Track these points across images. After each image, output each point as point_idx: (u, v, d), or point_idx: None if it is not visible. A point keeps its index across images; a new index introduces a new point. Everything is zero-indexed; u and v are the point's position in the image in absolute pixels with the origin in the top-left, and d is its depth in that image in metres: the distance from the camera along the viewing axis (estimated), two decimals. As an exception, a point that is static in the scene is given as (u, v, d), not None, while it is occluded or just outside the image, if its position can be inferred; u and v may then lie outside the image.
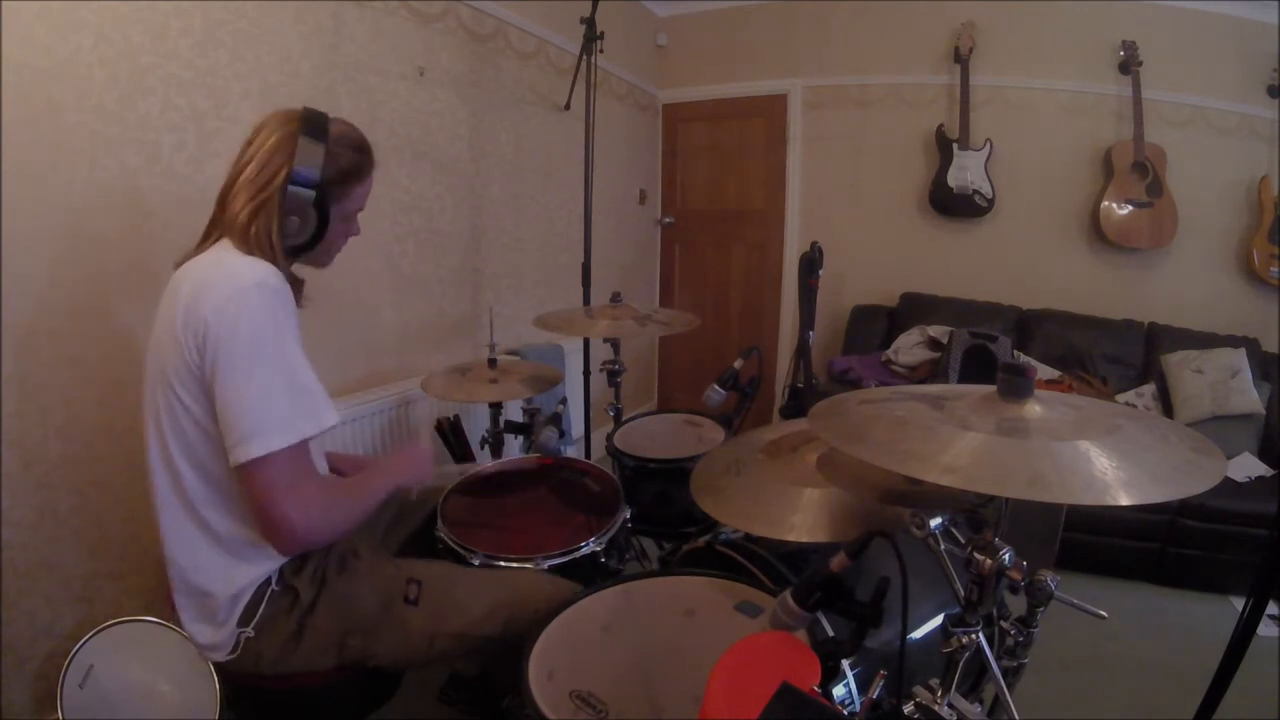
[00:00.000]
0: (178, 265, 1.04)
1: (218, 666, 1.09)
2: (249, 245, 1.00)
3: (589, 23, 2.40)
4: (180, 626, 1.06)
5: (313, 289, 1.22)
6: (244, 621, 1.02)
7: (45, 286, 1.35)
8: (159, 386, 0.97)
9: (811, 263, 2.18)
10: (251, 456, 0.89)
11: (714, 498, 1.02)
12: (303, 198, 1.01)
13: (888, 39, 3.42)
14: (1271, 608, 1.89)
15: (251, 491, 0.92)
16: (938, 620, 1.06)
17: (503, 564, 1.25)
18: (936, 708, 0.76)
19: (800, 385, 2.21)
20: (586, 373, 2.54)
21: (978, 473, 0.64)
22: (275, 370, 0.93)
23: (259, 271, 0.96)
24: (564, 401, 1.98)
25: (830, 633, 1.01)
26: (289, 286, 1.00)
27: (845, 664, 0.94)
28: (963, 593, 0.79)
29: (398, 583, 1.13)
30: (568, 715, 0.85)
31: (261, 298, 0.93)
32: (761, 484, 1.03)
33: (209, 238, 1.06)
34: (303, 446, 0.94)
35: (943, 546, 0.77)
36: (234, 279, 0.94)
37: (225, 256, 0.99)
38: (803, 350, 2.20)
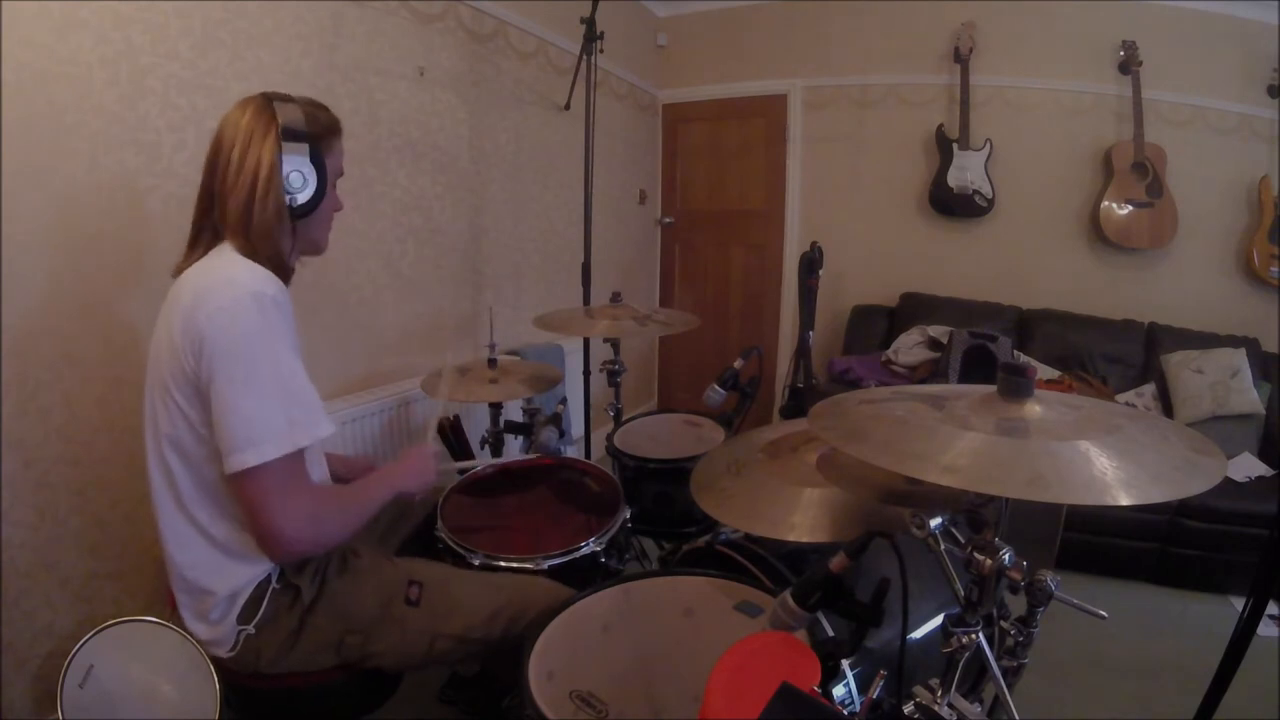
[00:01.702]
0: (176, 273, 1.04)
1: (217, 665, 1.09)
2: (250, 235, 0.99)
3: (589, 23, 2.40)
4: (180, 623, 1.06)
5: (314, 289, 1.22)
6: (245, 619, 1.03)
7: (45, 286, 1.35)
8: (157, 391, 0.97)
9: (811, 263, 2.19)
10: (246, 466, 0.89)
11: (714, 498, 1.02)
12: (298, 151, 1.00)
13: (888, 39, 3.42)
14: (1271, 608, 1.89)
15: (245, 501, 0.93)
16: (938, 620, 1.05)
17: (503, 564, 1.25)
18: (936, 708, 0.76)
19: (800, 385, 2.21)
20: (586, 373, 2.54)
21: (978, 473, 0.64)
22: (270, 379, 0.93)
23: (257, 279, 0.95)
24: (564, 401, 1.98)
25: (830, 633, 1.01)
26: (287, 294, 1.00)
27: (845, 664, 0.94)
28: (963, 593, 0.79)
29: (399, 583, 1.13)
30: (568, 715, 0.85)
31: (258, 306, 0.93)
32: (761, 484, 1.03)
33: (198, 243, 1.05)
34: (297, 456, 0.94)
35: (943, 546, 0.77)
36: (231, 287, 0.94)
37: (224, 262, 0.99)
38: (803, 350, 2.21)
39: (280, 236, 1.02)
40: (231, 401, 0.90)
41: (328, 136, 1.07)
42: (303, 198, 1.02)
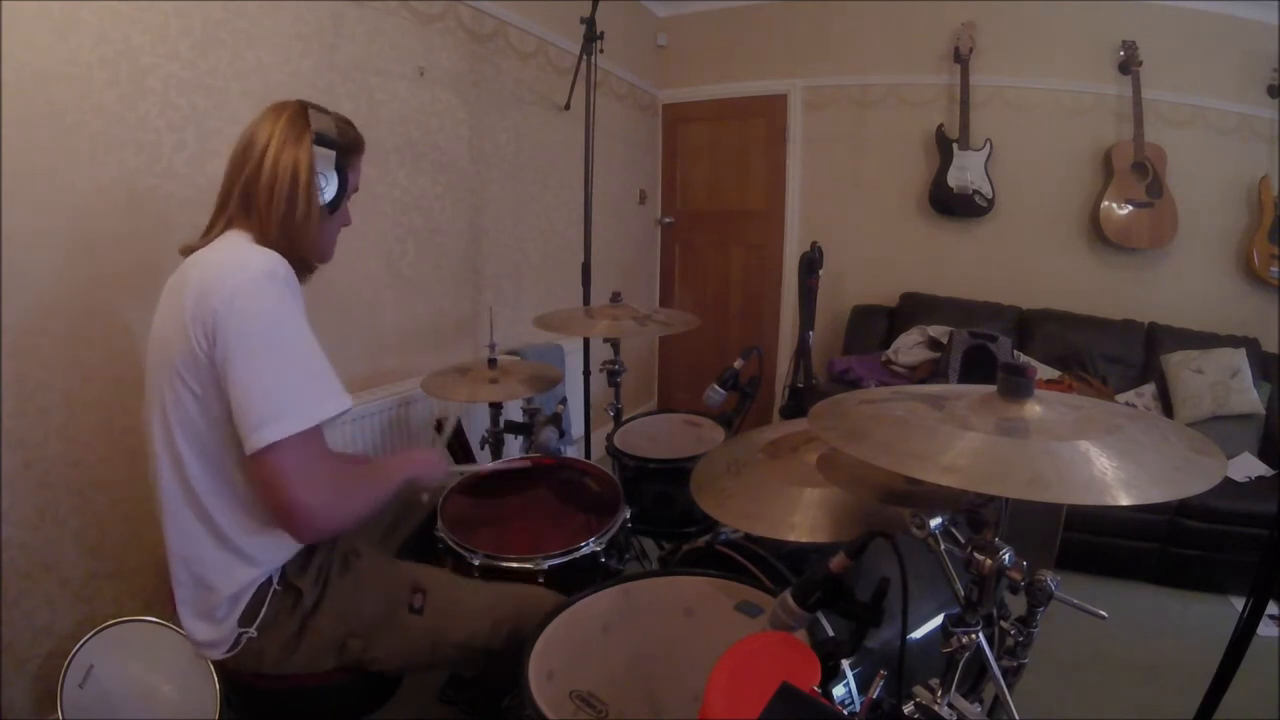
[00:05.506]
0: (185, 253, 1.04)
1: (217, 665, 1.09)
2: (284, 231, 1.01)
3: (589, 23, 2.40)
4: (178, 622, 1.06)
5: (314, 289, 1.21)
6: (246, 621, 1.02)
7: (45, 286, 1.35)
8: (165, 376, 0.96)
9: (811, 263, 2.19)
10: (268, 441, 0.88)
11: (714, 498, 1.02)
12: (326, 156, 1.05)
13: (888, 39, 3.42)
14: (1271, 608, 1.89)
15: (266, 478, 0.91)
16: (938, 620, 1.05)
17: (503, 564, 1.25)
18: (936, 708, 0.76)
19: (800, 385, 2.21)
20: (586, 373, 2.54)
21: (978, 473, 0.64)
22: (289, 356, 0.93)
23: (269, 261, 0.96)
24: (564, 401, 1.98)
25: (830, 633, 1.01)
26: (296, 277, 1.00)
27: (845, 664, 0.94)
28: (963, 593, 0.79)
29: (402, 589, 1.12)
30: (568, 715, 0.85)
31: (272, 285, 0.93)
32: (761, 484, 1.03)
33: (213, 229, 1.05)
34: (318, 431, 0.94)
35: (943, 546, 0.77)
36: (244, 268, 0.94)
37: (234, 247, 0.99)
38: (803, 350, 2.21)
39: (313, 234, 1.06)
40: (251, 379, 0.90)
41: (352, 152, 1.11)
42: (326, 198, 1.06)
